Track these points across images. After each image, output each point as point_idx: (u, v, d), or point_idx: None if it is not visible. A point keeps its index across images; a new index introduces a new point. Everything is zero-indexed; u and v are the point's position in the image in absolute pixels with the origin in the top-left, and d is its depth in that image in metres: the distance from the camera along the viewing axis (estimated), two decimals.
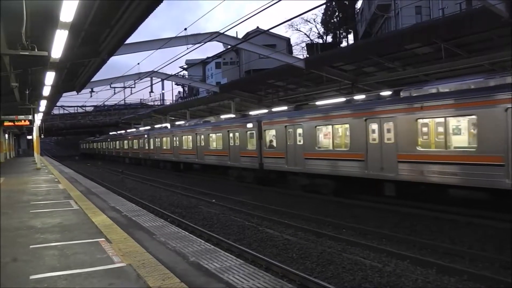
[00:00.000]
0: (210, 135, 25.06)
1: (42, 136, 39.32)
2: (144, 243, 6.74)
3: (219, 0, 12.86)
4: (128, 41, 13.18)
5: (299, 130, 17.10)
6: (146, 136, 38.00)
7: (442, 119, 11.89)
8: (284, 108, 21.55)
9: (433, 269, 8.02)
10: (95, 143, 66.32)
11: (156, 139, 34.95)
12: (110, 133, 59.20)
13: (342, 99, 17.54)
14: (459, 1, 26.20)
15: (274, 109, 22.04)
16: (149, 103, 64.75)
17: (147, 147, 37.66)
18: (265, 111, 22.84)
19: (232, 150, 22.09)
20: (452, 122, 11.95)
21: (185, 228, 10.98)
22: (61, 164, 36.15)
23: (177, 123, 35.03)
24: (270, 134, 19.23)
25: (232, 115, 26.13)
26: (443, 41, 14.46)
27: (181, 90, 71.70)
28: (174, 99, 69.55)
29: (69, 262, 5.79)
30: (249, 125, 20.59)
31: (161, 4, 8.99)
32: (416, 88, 13.28)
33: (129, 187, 22.61)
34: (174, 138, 30.73)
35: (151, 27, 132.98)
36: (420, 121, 12.38)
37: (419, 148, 12.38)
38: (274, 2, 9.71)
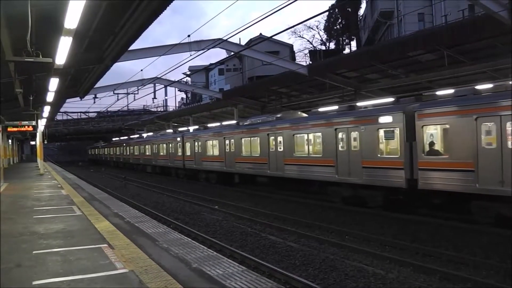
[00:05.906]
0: (297, 136, 17.83)
1: (46, 142, 39.32)
2: (147, 249, 6.74)
3: (224, 0, 12.92)
4: (132, 47, 13.29)
5: None
6: (179, 139, 30.44)
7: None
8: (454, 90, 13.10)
9: (436, 277, 7.99)
10: (106, 149, 59.80)
11: (196, 143, 27.29)
12: (126, 137, 51.13)
13: None
14: (462, 8, 26.31)
15: (438, 92, 14.22)
16: (152, 109, 64.97)
17: (180, 153, 30.10)
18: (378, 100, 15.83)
19: (342, 158, 15.02)
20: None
21: (187, 234, 11.00)
22: (64, 170, 36.27)
23: (225, 122, 27.16)
24: (429, 133, 12.58)
25: (334, 107, 17.86)
26: (446, 48, 14.47)
27: (184, 96, 71.98)
28: (177, 105, 69.76)
29: (72, 268, 5.80)
30: (385, 119, 13.52)
31: (165, 11, 9.09)
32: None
33: (132, 193, 22.62)
34: (227, 141, 23.15)
35: (155, 33, 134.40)
36: None
37: None
38: (278, 9, 9.77)
